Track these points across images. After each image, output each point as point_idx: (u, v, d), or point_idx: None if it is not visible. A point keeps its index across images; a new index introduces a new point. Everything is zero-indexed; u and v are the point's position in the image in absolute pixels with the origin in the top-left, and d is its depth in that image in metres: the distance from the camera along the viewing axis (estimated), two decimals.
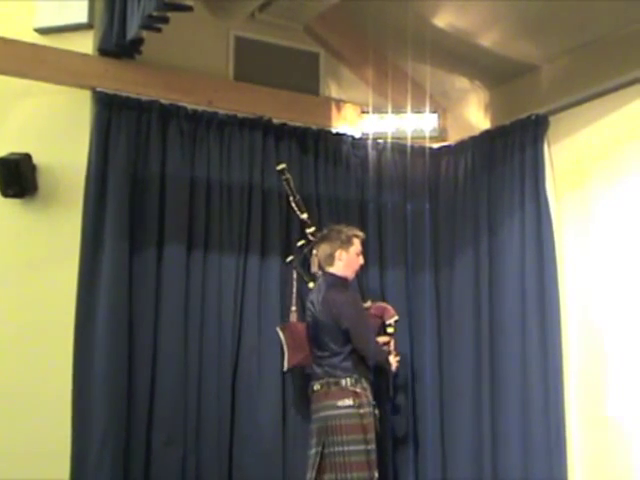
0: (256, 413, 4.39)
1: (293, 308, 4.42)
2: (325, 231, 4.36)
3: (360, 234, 4.33)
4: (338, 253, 4.23)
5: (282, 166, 4.55)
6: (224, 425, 4.32)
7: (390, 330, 4.37)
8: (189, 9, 3.62)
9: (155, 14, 3.61)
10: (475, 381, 4.70)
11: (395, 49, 4.87)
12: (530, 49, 4.57)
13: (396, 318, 4.40)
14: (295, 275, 4.49)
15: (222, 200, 4.50)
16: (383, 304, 4.53)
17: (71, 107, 4.22)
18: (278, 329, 4.33)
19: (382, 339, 4.35)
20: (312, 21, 4.87)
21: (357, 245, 4.28)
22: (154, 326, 4.21)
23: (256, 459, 4.34)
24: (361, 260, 4.32)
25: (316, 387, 4.16)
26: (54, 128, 4.17)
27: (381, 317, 4.41)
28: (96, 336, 4.03)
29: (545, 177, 4.46)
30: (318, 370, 4.17)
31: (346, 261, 4.24)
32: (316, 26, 4.96)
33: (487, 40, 4.60)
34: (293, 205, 4.53)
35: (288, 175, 4.53)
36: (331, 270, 4.26)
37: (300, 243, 4.50)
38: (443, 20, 4.53)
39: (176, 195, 4.34)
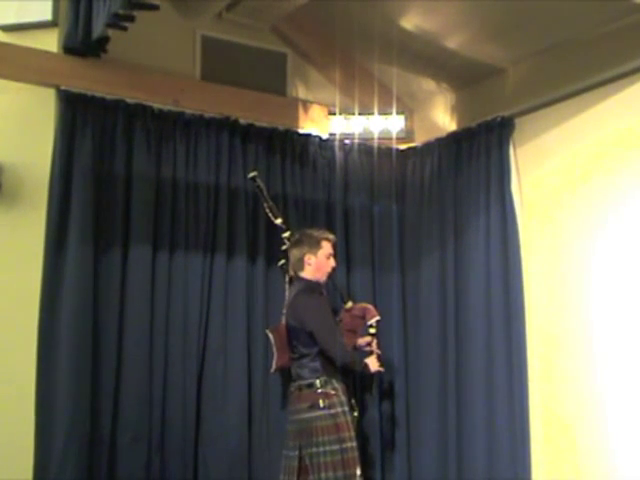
0: (222, 412, 4.39)
1: (284, 311, 4.34)
2: (297, 235, 4.36)
3: (330, 237, 4.32)
4: (307, 257, 4.23)
5: (253, 174, 4.51)
6: (189, 424, 4.32)
7: (372, 331, 4.32)
8: (155, 8, 3.59)
9: (121, 12, 3.57)
10: (441, 381, 4.73)
11: (362, 50, 4.87)
12: (496, 52, 4.61)
13: (377, 318, 4.35)
14: (287, 278, 4.45)
15: (188, 200, 4.48)
16: (365, 305, 4.48)
17: (35, 106, 4.17)
18: (268, 331, 4.31)
19: (364, 340, 4.33)
20: (279, 21, 4.87)
21: (326, 248, 4.27)
22: (119, 326, 4.18)
23: (222, 458, 4.35)
24: (332, 263, 4.30)
25: (291, 389, 4.19)
26: (17, 127, 4.12)
27: (363, 318, 4.37)
28: (60, 337, 3.99)
29: (510, 178, 4.50)
30: (293, 372, 4.19)
31: (315, 265, 4.24)
32: (283, 26, 4.95)
33: (453, 42, 4.62)
34: (267, 211, 4.50)
35: (260, 182, 4.51)
36: (302, 274, 4.26)
37: (284, 247, 4.46)
38: (410, 22, 4.55)
39: (142, 195, 4.31)
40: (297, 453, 4.02)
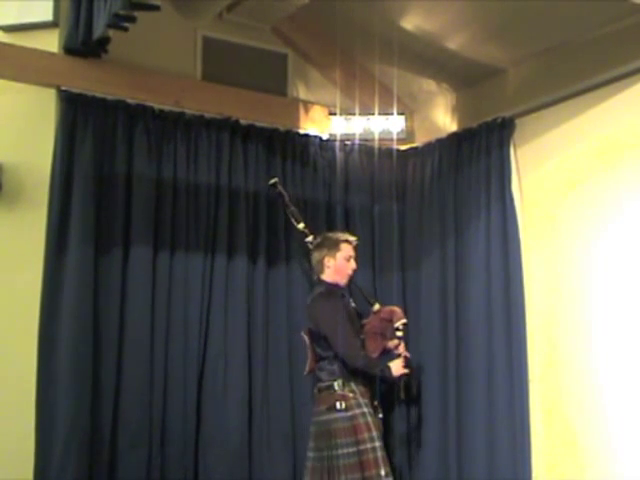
0: (222, 415, 4.38)
1: None
2: (318, 238, 4.37)
3: (351, 239, 4.33)
4: (326, 260, 4.25)
5: (274, 180, 4.59)
6: (190, 427, 4.31)
7: (399, 334, 4.28)
8: (156, 8, 3.60)
9: (122, 13, 3.58)
10: (442, 381, 4.72)
11: (363, 51, 4.87)
12: (497, 52, 4.61)
13: (404, 321, 4.32)
14: None
15: (189, 201, 4.48)
16: (392, 307, 4.44)
17: (36, 106, 4.17)
18: (303, 333, 4.31)
19: (393, 343, 4.30)
20: (280, 22, 4.87)
21: (345, 250, 4.28)
22: (119, 328, 4.18)
23: (222, 461, 4.34)
24: (353, 265, 4.30)
25: (314, 391, 4.20)
26: (18, 127, 4.13)
27: (390, 321, 4.32)
28: (61, 338, 3.99)
29: (511, 179, 4.49)
30: (315, 375, 4.20)
31: (334, 267, 4.25)
32: (284, 27, 4.95)
33: (454, 43, 4.62)
34: (290, 216, 4.55)
35: (280, 188, 4.56)
36: (322, 277, 4.27)
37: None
38: (411, 23, 4.55)
39: (142, 195, 4.31)
40: (318, 454, 4.04)
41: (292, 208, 4.55)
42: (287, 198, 4.57)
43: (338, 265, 4.25)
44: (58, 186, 4.08)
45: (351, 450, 3.96)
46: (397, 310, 4.39)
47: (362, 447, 3.97)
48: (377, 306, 4.44)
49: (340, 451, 3.96)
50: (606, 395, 3.99)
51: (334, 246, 4.26)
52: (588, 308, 4.14)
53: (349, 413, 4.02)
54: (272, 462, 4.47)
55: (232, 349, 4.46)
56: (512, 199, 4.47)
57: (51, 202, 4.08)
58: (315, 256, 4.31)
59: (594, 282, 4.11)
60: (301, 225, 4.52)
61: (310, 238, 4.48)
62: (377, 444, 4.01)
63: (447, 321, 4.74)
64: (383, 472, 3.97)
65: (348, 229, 4.93)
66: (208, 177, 4.54)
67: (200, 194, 4.51)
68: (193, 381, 4.35)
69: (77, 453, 3.93)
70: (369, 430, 4.01)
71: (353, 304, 4.47)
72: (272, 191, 4.61)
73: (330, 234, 4.38)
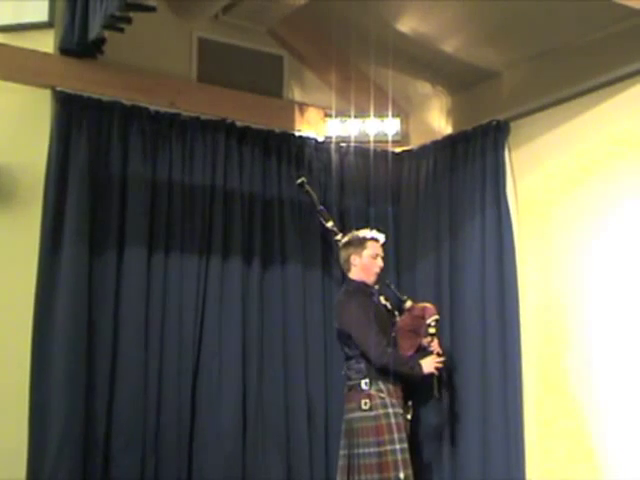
0: (216, 416, 4.37)
1: None
2: (347, 237, 4.38)
3: (377, 237, 4.33)
4: (352, 258, 4.26)
5: (302, 179, 4.63)
6: (184, 428, 4.30)
7: (431, 330, 4.24)
8: (152, 9, 3.60)
9: (118, 14, 3.58)
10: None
11: (358, 53, 4.88)
12: (492, 55, 4.62)
13: (436, 317, 4.27)
14: None
15: (184, 202, 4.47)
16: (423, 304, 4.39)
17: (31, 106, 4.17)
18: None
19: (425, 340, 4.27)
20: (276, 24, 4.87)
21: (371, 248, 4.27)
22: (114, 329, 4.17)
23: (216, 462, 4.33)
24: (380, 263, 4.30)
25: (344, 390, 4.20)
26: (13, 127, 4.12)
27: (423, 317, 4.28)
28: (55, 338, 3.98)
29: (505, 181, 4.50)
30: (345, 373, 4.20)
31: (360, 265, 4.25)
32: (280, 29, 4.95)
33: (449, 46, 4.63)
34: (318, 215, 4.58)
35: (308, 187, 4.58)
36: (349, 275, 4.28)
37: None
38: (406, 25, 4.56)
39: (137, 197, 4.31)
40: (343, 452, 4.05)
41: (320, 207, 4.56)
42: (315, 197, 4.56)
43: (364, 263, 4.25)
44: (53, 187, 4.08)
45: (372, 450, 3.95)
46: (429, 306, 4.33)
47: (383, 449, 3.95)
48: (409, 303, 4.40)
49: (361, 450, 3.97)
50: (601, 396, 4.00)
51: (360, 244, 4.27)
52: (584, 310, 4.14)
53: (373, 413, 4.01)
54: (265, 465, 4.45)
55: (226, 350, 4.45)
56: (507, 202, 4.48)
57: (46, 203, 4.07)
58: (342, 254, 4.33)
59: (589, 285, 4.12)
60: (330, 223, 4.55)
61: (339, 236, 4.49)
62: (398, 446, 3.97)
63: (441, 323, 4.72)
64: (402, 475, 3.94)
65: (343, 231, 4.93)
66: (203, 178, 4.54)
67: (195, 195, 4.51)
68: (187, 382, 4.34)
69: (70, 454, 3.92)
70: (391, 432, 3.98)
71: (385, 302, 4.44)
72: (299, 190, 4.63)
73: (357, 232, 4.38)
